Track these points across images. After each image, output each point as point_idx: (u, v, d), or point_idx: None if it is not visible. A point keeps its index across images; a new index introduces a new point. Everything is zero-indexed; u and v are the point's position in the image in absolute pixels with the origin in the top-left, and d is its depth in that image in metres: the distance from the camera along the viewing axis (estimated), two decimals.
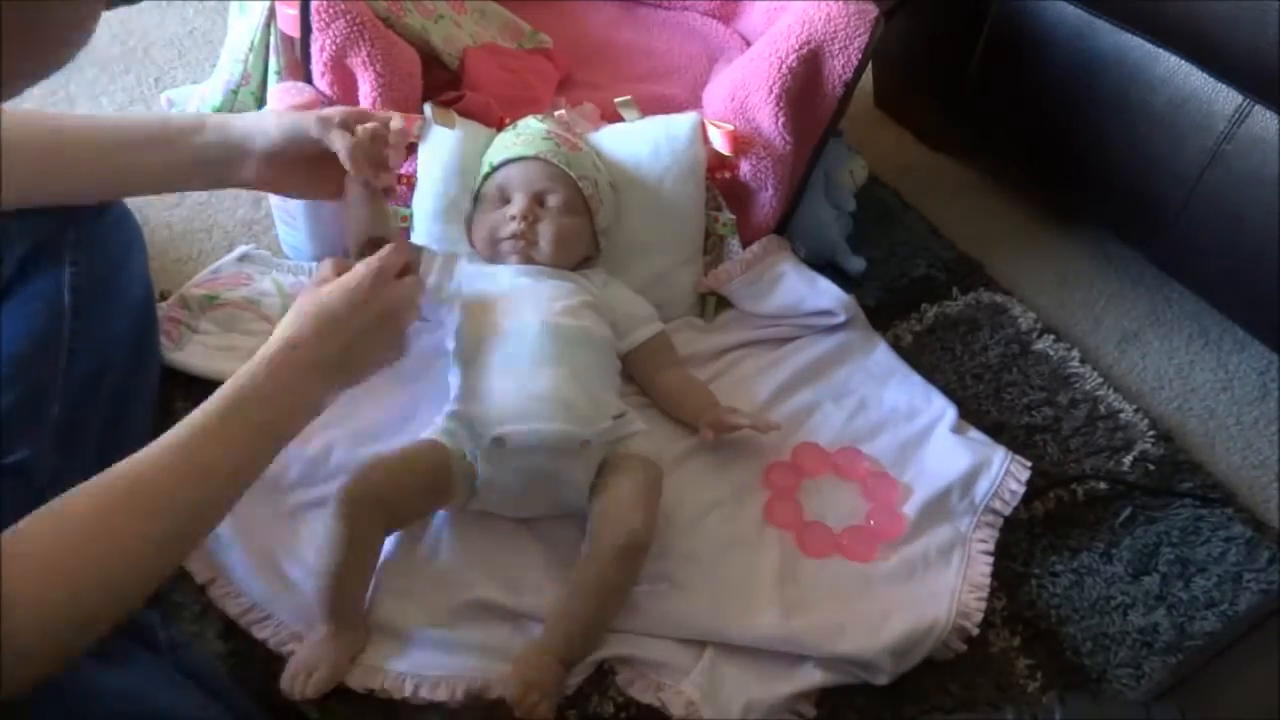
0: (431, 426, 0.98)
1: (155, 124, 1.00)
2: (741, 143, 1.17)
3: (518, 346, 0.99)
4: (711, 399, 1.08)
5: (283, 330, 0.84)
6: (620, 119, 1.20)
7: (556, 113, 1.18)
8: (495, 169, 1.09)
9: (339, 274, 0.89)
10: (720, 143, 1.16)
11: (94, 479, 0.70)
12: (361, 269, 0.88)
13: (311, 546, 0.91)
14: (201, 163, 0.97)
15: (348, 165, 0.96)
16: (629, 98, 1.20)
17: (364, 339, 0.86)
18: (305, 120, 0.97)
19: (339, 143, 0.96)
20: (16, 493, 0.86)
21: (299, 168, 1.00)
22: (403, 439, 1.00)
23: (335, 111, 0.98)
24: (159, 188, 1.09)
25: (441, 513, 0.98)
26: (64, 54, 0.59)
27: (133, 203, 1.30)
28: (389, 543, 0.95)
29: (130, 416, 0.98)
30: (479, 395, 0.98)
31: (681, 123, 1.17)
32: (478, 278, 1.07)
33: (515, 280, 1.06)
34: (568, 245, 1.08)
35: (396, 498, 0.92)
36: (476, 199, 1.10)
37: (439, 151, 1.15)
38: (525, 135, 1.11)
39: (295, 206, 1.18)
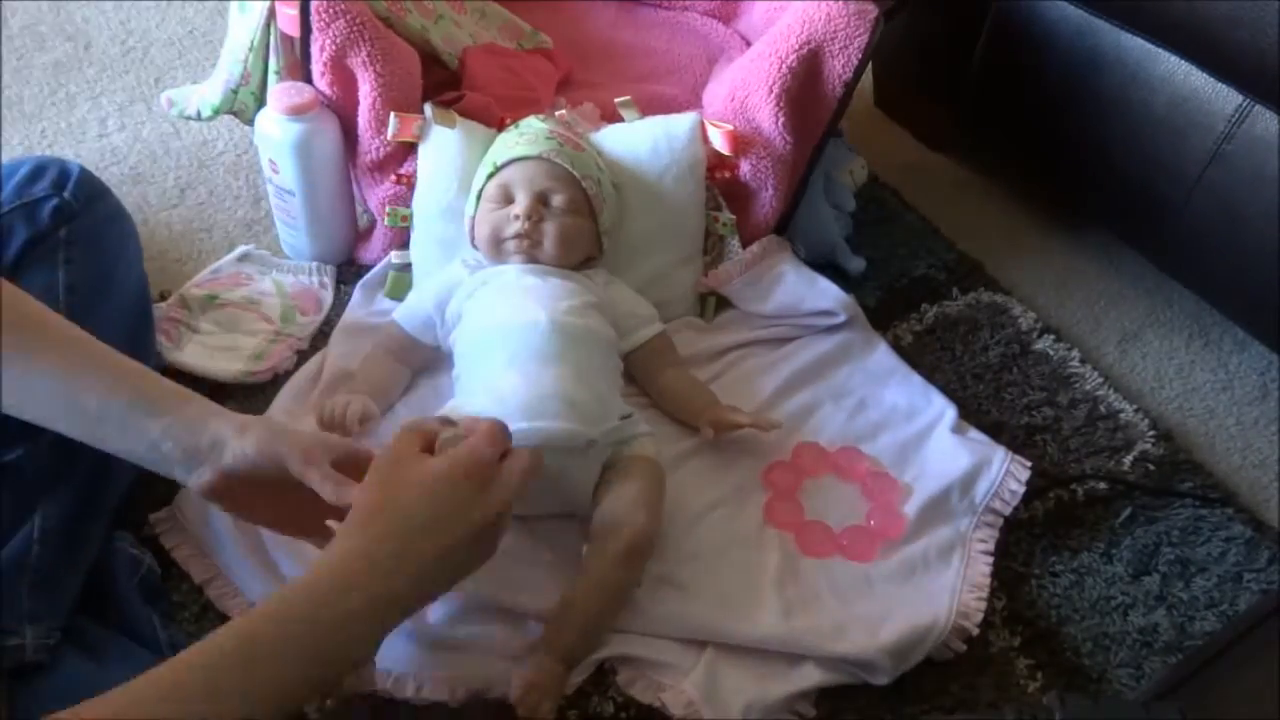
0: None
1: (123, 400, 0.78)
2: (741, 143, 1.16)
3: (524, 344, 0.99)
4: (712, 399, 1.08)
5: (346, 543, 0.68)
6: (620, 119, 1.20)
7: (557, 113, 1.19)
8: (499, 168, 1.08)
9: (425, 446, 0.73)
10: (720, 142, 1.16)
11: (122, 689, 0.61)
12: (447, 470, 0.70)
13: (311, 546, 0.91)
14: (155, 455, 0.78)
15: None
16: (629, 98, 1.20)
17: (446, 562, 0.70)
18: (286, 453, 0.77)
19: (326, 488, 0.75)
20: (13, 491, 0.86)
21: (268, 495, 0.80)
22: None
23: (320, 448, 0.78)
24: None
25: None
26: None
27: (133, 203, 1.31)
28: None
29: None
30: (484, 393, 0.97)
31: (681, 122, 1.17)
32: (484, 280, 1.07)
33: (521, 279, 1.06)
34: (571, 245, 1.08)
35: None
36: (479, 198, 1.10)
37: (439, 151, 1.15)
38: (529, 135, 1.11)
39: (295, 206, 1.18)
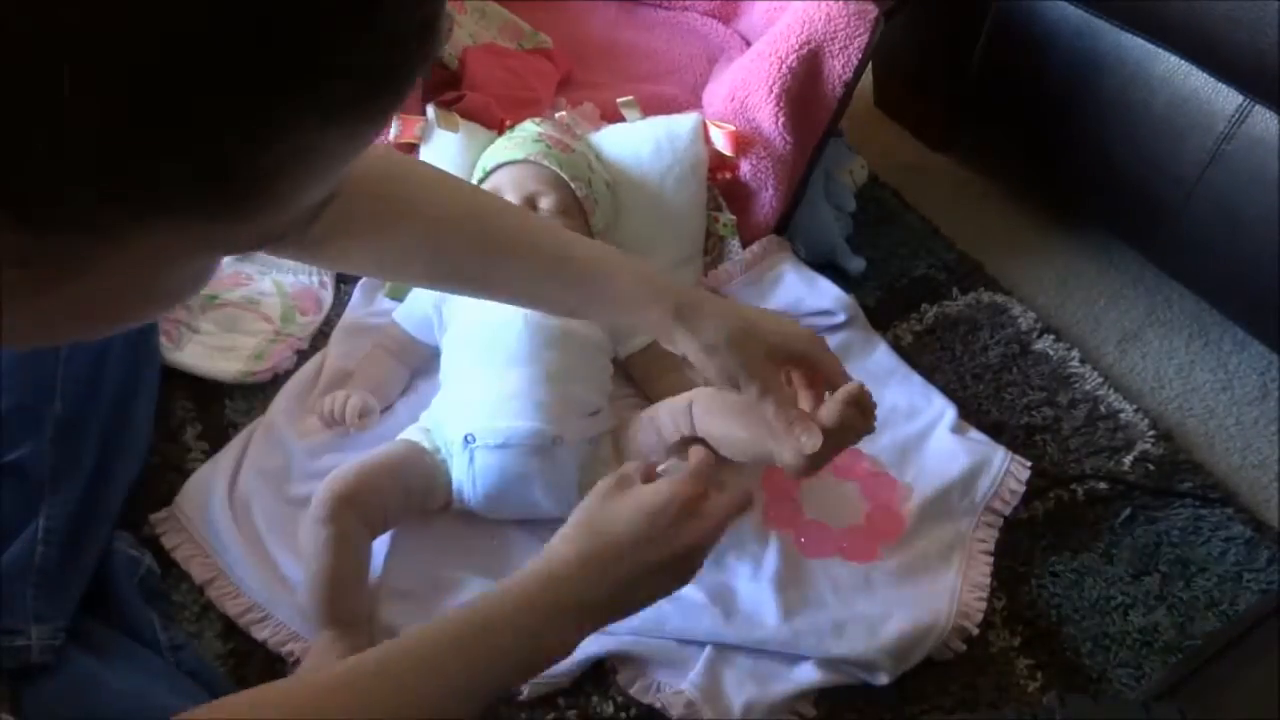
0: (409, 427, 0.98)
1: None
2: (743, 143, 1.17)
3: (493, 345, 0.99)
4: None
5: (554, 551, 0.70)
6: (621, 118, 1.20)
7: (558, 114, 1.19)
8: (488, 174, 1.09)
9: (645, 479, 0.76)
10: (722, 143, 1.16)
11: (274, 686, 0.62)
12: (665, 492, 0.72)
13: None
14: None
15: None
16: (631, 97, 1.20)
17: (647, 581, 0.71)
18: (795, 336, 0.83)
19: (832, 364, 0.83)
20: (16, 491, 0.86)
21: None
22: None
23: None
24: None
25: (441, 512, 0.98)
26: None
27: None
28: (388, 543, 0.95)
29: (131, 415, 0.98)
30: (452, 393, 0.98)
31: (683, 123, 1.17)
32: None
33: None
34: None
35: (374, 500, 0.91)
36: None
37: (441, 154, 1.15)
38: (517, 139, 1.11)
39: None
